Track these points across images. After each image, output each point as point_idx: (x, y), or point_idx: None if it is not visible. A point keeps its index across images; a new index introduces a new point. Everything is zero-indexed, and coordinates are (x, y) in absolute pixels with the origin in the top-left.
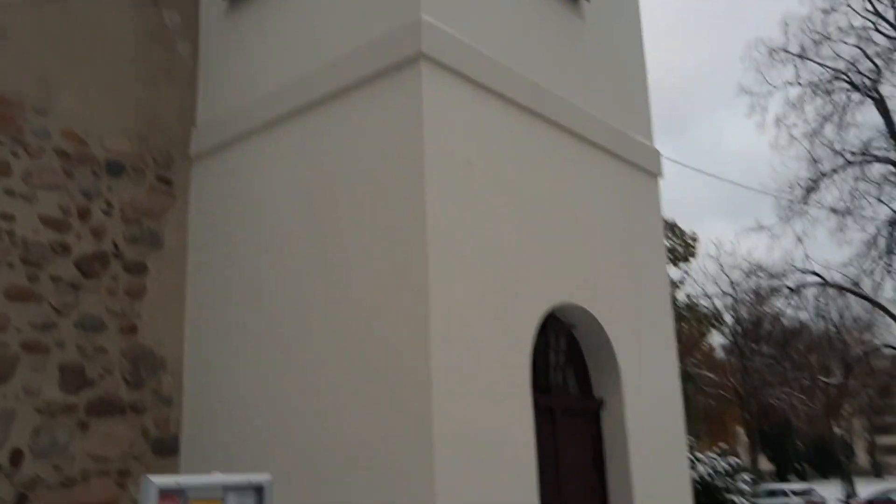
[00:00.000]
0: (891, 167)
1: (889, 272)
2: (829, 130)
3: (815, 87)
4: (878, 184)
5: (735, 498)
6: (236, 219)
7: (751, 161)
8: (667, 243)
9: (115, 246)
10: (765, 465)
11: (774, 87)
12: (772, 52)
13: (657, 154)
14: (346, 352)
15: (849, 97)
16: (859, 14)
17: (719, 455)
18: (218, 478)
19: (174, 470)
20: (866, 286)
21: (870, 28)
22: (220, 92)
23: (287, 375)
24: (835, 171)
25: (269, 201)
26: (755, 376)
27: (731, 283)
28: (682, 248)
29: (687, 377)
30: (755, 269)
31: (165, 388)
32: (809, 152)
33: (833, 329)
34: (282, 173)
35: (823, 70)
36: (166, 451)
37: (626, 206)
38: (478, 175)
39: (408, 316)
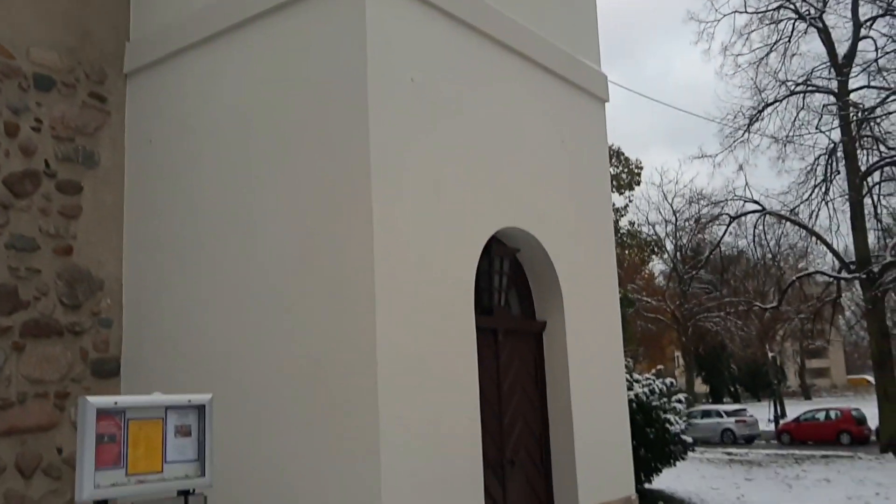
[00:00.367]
0: (832, 97)
1: (825, 201)
2: (773, 59)
3: (761, 15)
4: (819, 113)
5: (670, 417)
6: (174, 137)
7: (697, 90)
8: (612, 170)
9: (47, 164)
10: (700, 387)
11: (722, 14)
12: None
13: (604, 78)
14: (289, 270)
15: (794, 26)
16: None
17: (656, 376)
18: (158, 398)
19: (116, 392)
20: (803, 214)
21: None
22: (154, 6)
23: (229, 294)
24: (778, 100)
25: (208, 118)
26: (693, 302)
27: (674, 210)
28: (626, 175)
29: (627, 302)
30: (697, 197)
31: (104, 309)
32: (754, 81)
33: (770, 256)
34: (220, 90)
35: None
36: (107, 373)
37: (573, 131)
38: (422, 94)
39: (351, 236)
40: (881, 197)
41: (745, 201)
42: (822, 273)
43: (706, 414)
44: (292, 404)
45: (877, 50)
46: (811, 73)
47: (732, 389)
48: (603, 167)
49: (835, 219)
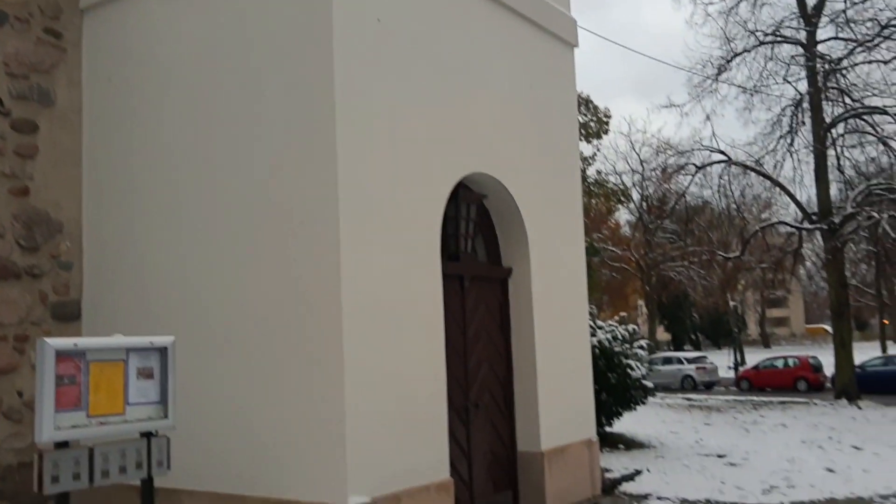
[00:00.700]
0: (800, 48)
1: (790, 152)
2: (744, 9)
3: None
4: (787, 64)
5: (631, 363)
6: (134, 76)
7: (666, 39)
8: (580, 119)
9: (1, 102)
10: (662, 334)
11: None
12: None
13: (573, 23)
14: (252, 210)
15: None
16: None
17: (619, 323)
18: (119, 340)
19: (77, 335)
20: (768, 165)
21: None
22: None
23: (191, 236)
24: (747, 50)
25: (170, 57)
26: (657, 251)
27: (641, 160)
28: (595, 124)
29: (593, 250)
30: (664, 147)
31: (64, 252)
32: (723, 30)
33: (734, 206)
34: (182, 28)
35: None
36: (68, 316)
37: (541, 75)
38: (388, 35)
39: (316, 178)
40: (845, 149)
41: (712, 151)
42: (785, 223)
43: (667, 361)
44: (256, 346)
45: (845, 1)
46: (780, 23)
47: (694, 337)
48: (571, 114)
49: (799, 170)
